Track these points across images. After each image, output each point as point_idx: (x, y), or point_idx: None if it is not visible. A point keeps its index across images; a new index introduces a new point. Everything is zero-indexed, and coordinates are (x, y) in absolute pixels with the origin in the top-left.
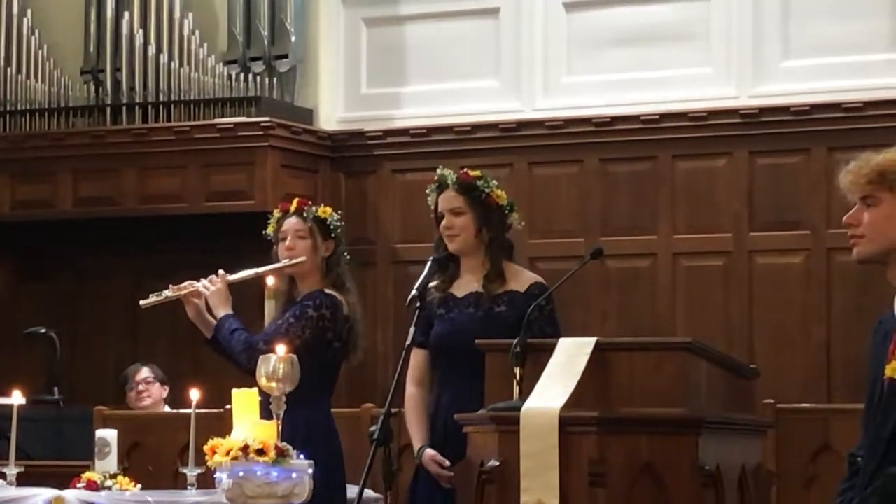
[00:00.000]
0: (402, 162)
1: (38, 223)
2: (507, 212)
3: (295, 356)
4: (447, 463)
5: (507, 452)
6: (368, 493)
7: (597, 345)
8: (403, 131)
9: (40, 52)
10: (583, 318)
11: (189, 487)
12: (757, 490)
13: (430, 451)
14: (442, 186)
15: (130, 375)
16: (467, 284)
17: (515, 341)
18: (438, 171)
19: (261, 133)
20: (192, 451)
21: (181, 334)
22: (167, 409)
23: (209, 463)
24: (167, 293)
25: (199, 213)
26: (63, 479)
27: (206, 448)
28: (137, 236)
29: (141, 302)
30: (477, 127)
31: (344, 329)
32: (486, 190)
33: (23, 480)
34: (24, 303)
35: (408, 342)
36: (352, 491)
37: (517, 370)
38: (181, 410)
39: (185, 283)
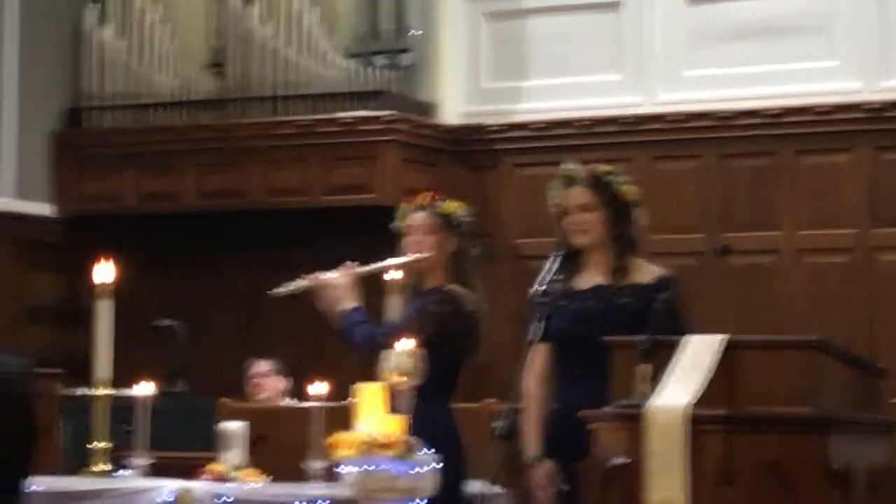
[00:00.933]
0: (523, 156)
1: (163, 216)
2: (634, 207)
3: (421, 351)
4: (555, 487)
5: (633, 450)
6: (491, 488)
7: (725, 342)
8: (524, 125)
9: (168, 46)
10: (701, 314)
11: (313, 480)
12: (885, 491)
13: (544, 468)
14: (570, 182)
15: (249, 369)
16: (591, 278)
17: (642, 337)
18: (564, 166)
19: (383, 127)
20: (317, 443)
21: (302, 327)
22: (288, 401)
23: (334, 456)
24: (298, 284)
25: (320, 206)
26: (188, 471)
27: (330, 441)
28: (260, 229)
29: (273, 291)
30: (597, 121)
31: (466, 325)
32: (616, 185)
33: (150, 471)
34: (149, 295)
35: (530, 338)
36: (473, 486)
37: (644, 366)
38: (305, 404)
39: (315, 275)
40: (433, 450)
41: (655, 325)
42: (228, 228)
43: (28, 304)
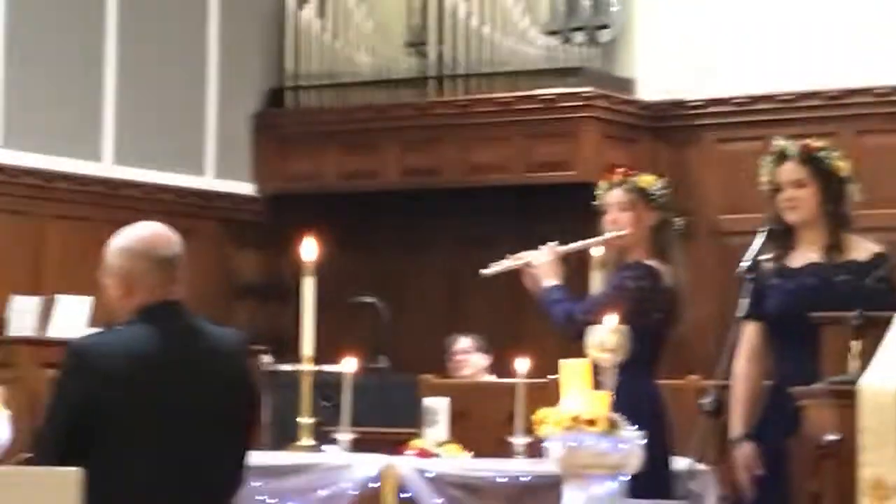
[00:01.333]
0: (725, 131)
1: (365, 194)
2: (847, 183)
3: (626, 327)
4: (759, 472)
5: (845, 427)
6: (696, 465)
7: None
8: (725, 101)
9: (367, 25)
10: None
11: (517, 456)
12: None
13: (747, 450)
14: (782, 157)
15: (451, 345)
16: (803, 255)
17: (853, 314)
18: (776, 141)
19: (582, 104)
20: (519, 419)
21: (503, 304)
22: (489, 377)
23: (539, 432)
24: (506, 263)
25: (520, 183)
26: (391, 446)
27: (535, 417)
28: (459, 207)
29: (482, 271)
30: (801, 95)
31: (665, 300)
32: (829, 161)
33: (354, 447)
34: (350, 272)
35: (739, 314)
36: (678, 463)
37: (855, 343)
38: (506, 380)
39: (521, 254)
40: (638, 426)
41: (870, 301)
42: (428, 206)
43: (233, 281)
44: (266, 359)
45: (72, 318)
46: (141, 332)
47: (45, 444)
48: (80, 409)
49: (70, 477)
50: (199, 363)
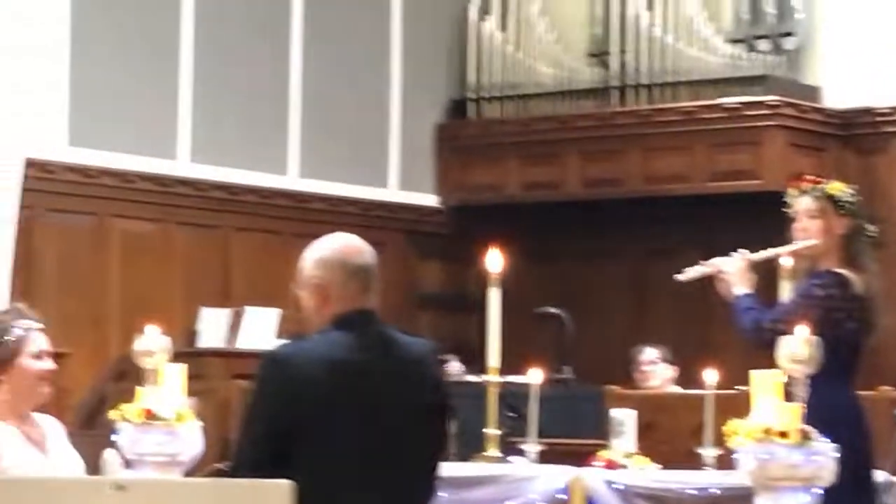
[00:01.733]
0: None
1: (546, 204)
2: None
3: (817, 338)
4: None
5: None
6: (893, 478)
7: None
8: None
9: (548, 36)
10: None
11: (706, 468)
12: None
13: None
14: None
15: (636, 356)
16: None
17: None
18: None
19: (768, 112)
20: (708, 431)
21: (688, 314)
22: (675, 388)
23: (730, 444)
24: (699, 268)
25: (703, 193)
26: (577, 458)
27: (725, 429)
28: (642, 216)
29: (676, 276)
30: None
31: (855, 308)
32: None
33: (540, 458)
34: (532, 283)
35: None
36: (876, 475)
37: None
38: (693, 391)
39: (713, 260)
40: (832, 438)
41: None
42: (610, 216)
43: (417, 292)
44: (456, 366)
45: (260, 329)
46: (337, 339)
47: (243, 453)
48: (280, 417)
49: (282, 488)
50: (396, 371)
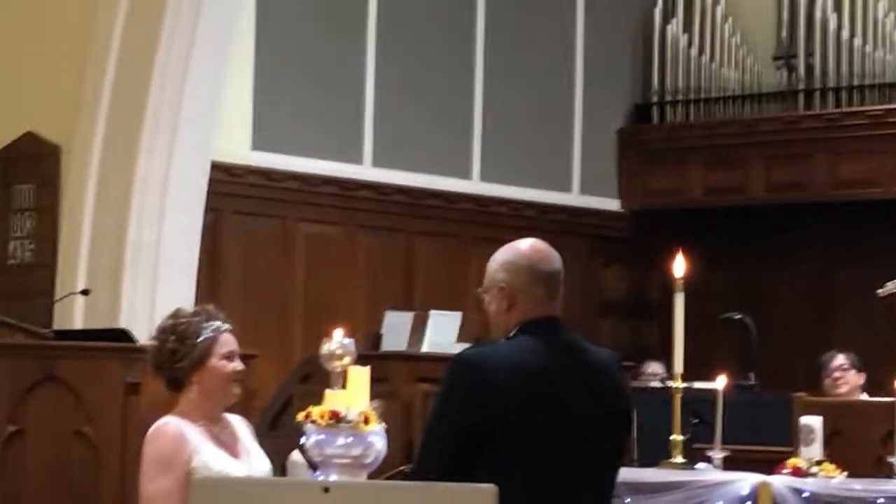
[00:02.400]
0: None
1: (730, 209)
2: None
3: None
4: None
5: None
6: None
7: None
8: None
9: (733, 39)
10: None
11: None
12: None
13: None
14: None
15: (826, 362)
16: None
17: None
18: None
19: None
20: None
21: (875, 321)
22: (864, 396)
23: None
24: None
25: (891, 198)
26: (762, 465)
27: None
28: (828, 222)
29: (879, 291)
30: None
31: None
32: None
33: (726, 465)
34: (715, 288)
35: None
36: None
37: None
38: (883, 398)
39: None
40: None
41: None
42: (795, 220)
43: (598, 297)
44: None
45: (443, 333)
46: (526, 345)
47: (428, 455)
48: (467, 420)
49: (486, 494)
50: (583, 379)
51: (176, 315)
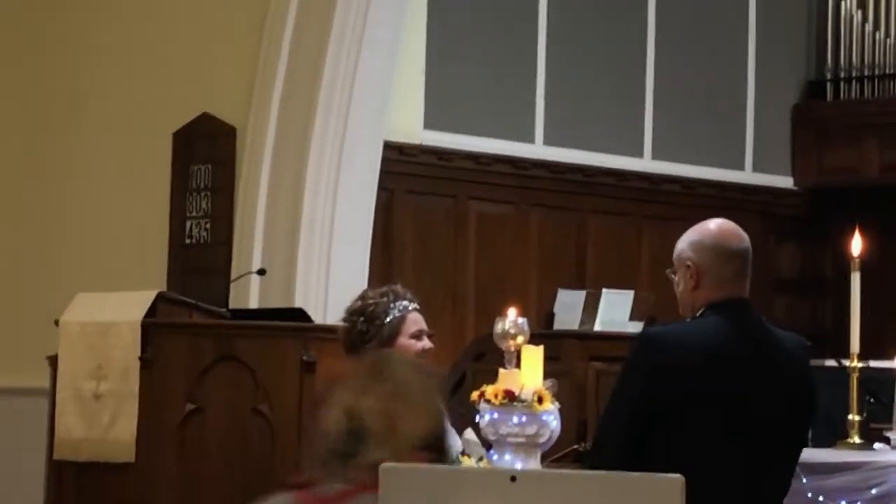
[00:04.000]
0: None
1: None
2: None
3: None
4: None
5: None
6: None
7: None
8: None
9: None
10: None
11: None
12: None
13: None
14: None
15: None
16: None
17: None
18: None
19: None
20: None
21: None
22: None
23: None
24: None
25: None
26: None
27: None
28: None
29: None
30: None
31: None
32: None
33: None
34: (892, 266)
35: None
36: None
37: None
38: None
39: None
40: None
41: None
42: None
43: (772, 275)
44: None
45: (615, 311)
46: (713, 326)
47: (607, 432)
48: (649, 399)
49: (675, 484)
50: (771, 363)
51: (364, 296)
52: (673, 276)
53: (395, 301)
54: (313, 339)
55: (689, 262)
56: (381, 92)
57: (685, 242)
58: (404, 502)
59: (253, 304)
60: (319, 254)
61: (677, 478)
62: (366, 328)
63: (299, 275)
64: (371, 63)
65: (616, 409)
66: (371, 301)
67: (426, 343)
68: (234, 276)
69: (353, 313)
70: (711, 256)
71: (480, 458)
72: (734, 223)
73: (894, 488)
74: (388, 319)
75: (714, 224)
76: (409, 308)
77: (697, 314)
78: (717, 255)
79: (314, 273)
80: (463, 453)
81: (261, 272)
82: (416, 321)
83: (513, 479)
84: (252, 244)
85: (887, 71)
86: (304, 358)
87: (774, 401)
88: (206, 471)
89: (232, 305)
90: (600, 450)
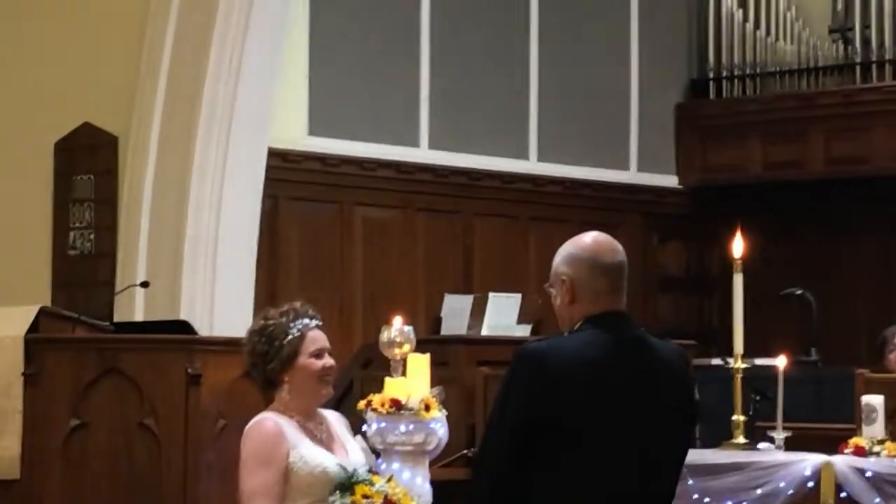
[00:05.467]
0: None
1: (789, 184)
2: None
3: None
4: None
5: None
6: None
7: None
8: None
9: (788, 13)
10: None
11: None
12: None
13: None
14: None
15: (889, 337)
16: None
17: None
18: None
19: None
20: None
21: None
22: None
23: None
24: None
25: None
26: (826, 443)
27: None
28: (888, 195)
29: None
30: None
31: None
32: None
33: (787, 444)
34: (775, 263)
35: None
36: None
37: None
38: None
39: None
40: None
41: None
42: (855, 195)
43: (657, 273)
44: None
45: (502, 315)
46: (591, 339)
47: (491, 445)
48: (531, 412)
49: None
50: (649, 373)
51: (265, 315)
52: (551, 291)
53: (294, 320)
54: (198, 352)
55: (564, 277)
56: (264, 99)
57: (560, 257)
58: None
59: (138, 316)
60: (205, 264)
61: None
62: (266, 349)
63: (185, 286)
64: (254, 70)
65: (498, 422)
66: (272, 322)
67: (327, 360)
68: (118, 288)
69: (253, 334)
70: (586, 270)
71: (389, 479)
72: (608, 236)
73: (778, 488)
74: (287, 339)
75: (589, 238)
76: (311, 326)
77: (575, 328)
78: (591, 268)
79: (200, 284)
80: (372, 470)
81: (144, 284)
82: (315, 339)
83: None
84: (136, 255)
85: (769, 69)
86: (190, 371)
87: (656, 410)
88: (92, 486)
89: (117, 318)
90: (485, 463)
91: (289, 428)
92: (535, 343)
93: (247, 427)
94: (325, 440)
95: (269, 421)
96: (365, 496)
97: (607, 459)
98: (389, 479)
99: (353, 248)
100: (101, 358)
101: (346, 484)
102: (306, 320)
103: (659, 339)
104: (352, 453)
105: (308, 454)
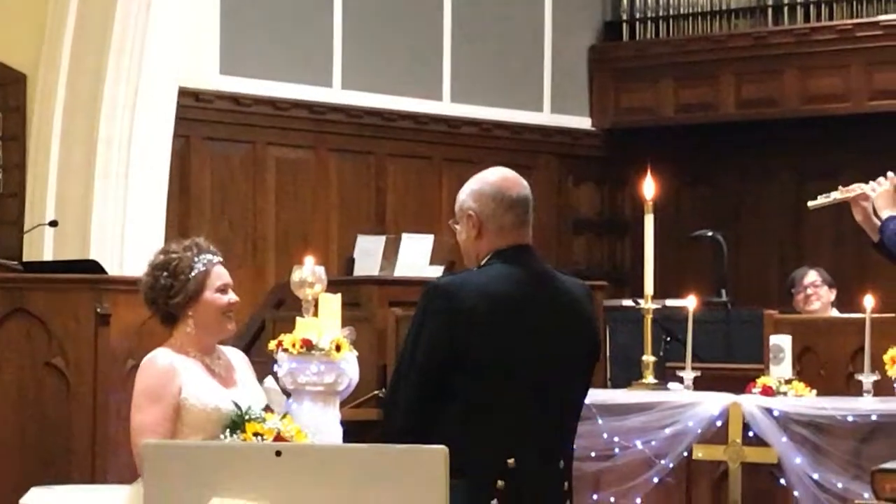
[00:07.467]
0: None
1: (701, 126)
2: None
3: None
4: None
5: None
6: None
7: None
8: None
9: None
10: None
11: (865, 394)
12: None
13: None
14: None
15: (798, 279)
16: None
17: None
18: None
19: None
20: (867, 357)
21: (846, 237)
22: (834, 312)
23: (890, 371)
24: (835, 195)
25: (862, 112)
26: (734, 383)
27: (886, 356)
28: (799, 137)
29: (809, 203)
30: None
31: None
32: None
33: (697, 384)
34: (687, 206)
35: None
36: None
37: None
38: (852, 315)
39: (853, 186)
40: None
41: None
42: (767, 137)
43: (571, 215)
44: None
45: (415, 256)
46: (499, 273)
47: (403, 381)
48: (442, 347)
49: (437, 455)
50: (553, 306)
51: (167, 250)
52: (456, 227)
53: (199, 254)
54: (108, 291)
55: (470, 212)
56: (175, 37)
57: (466, 192)
58: (167, 480)
59: (47, 256)
60: (115, 204)
61: (440, 449)
62: (170, 283)
63: (94, 226)
64: (165, 7)
65: (409, 357)
66: (175, 255)
67: (232, 297)
68: (27, 227)
69: (156, 268)
70: (492, 205)
71: (284, 416)
72: (513, 171)
73: (687, 427)
74: (192, 274)
75: (493, 173)
76: (214, 261)
77: (482, 263)
78: (497, 203)
79: (110, 224)
80: (267, 408)
81: (53, 223)
82: (220, 275)
83: (278, 453)
84: (45, 195)
85: (681, 11)
86: (99, 310)
87: (561, 343)
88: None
89: (26, 258)
90: (396, 398)
91: (183, 364)
92: (446, 278)
93: (140, 364)
94: (223, 376)
95: (160, 357)
96: (256, 434)
97: (508, 393)
98: (284, 416)
99: (265, 189)
100: (9, 297)
101: (238, 422)
102: (210, 255)
103: (566, 275)
104: (250, 391)
105: (201, 391)
